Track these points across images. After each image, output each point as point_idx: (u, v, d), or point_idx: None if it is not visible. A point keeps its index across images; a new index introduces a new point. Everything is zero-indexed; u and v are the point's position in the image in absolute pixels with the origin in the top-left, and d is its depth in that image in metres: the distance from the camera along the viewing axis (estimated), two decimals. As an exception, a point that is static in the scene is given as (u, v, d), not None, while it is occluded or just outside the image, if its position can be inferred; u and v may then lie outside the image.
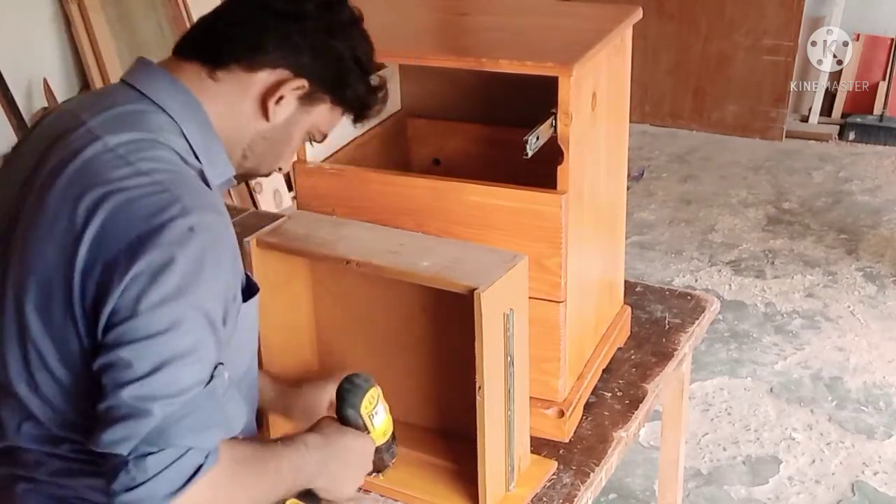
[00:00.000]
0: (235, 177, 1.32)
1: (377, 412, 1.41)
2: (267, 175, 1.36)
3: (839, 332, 3.52)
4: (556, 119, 1.49)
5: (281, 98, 1.24)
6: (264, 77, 1.23)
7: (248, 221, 2.55)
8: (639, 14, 1.72)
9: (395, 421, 1.46)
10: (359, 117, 1.36)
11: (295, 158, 1.36)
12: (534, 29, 1.71)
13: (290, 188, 4.19)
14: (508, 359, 1.43)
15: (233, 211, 2.69)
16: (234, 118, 1.24)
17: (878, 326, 3.55)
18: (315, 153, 1.71)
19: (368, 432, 1.40)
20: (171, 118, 1.20)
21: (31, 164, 1.22)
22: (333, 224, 1.57)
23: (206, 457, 1.12)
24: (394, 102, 1.98)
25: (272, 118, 1.25)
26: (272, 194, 4.12)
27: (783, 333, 3.52)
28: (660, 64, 5.44)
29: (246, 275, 1.32)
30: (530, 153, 1.45)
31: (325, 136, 1.36)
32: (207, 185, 1.22)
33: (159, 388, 1.08)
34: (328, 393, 1.51)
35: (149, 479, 1.08)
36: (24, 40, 4.04)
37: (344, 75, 1.28)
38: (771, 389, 3.21)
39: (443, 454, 1.60)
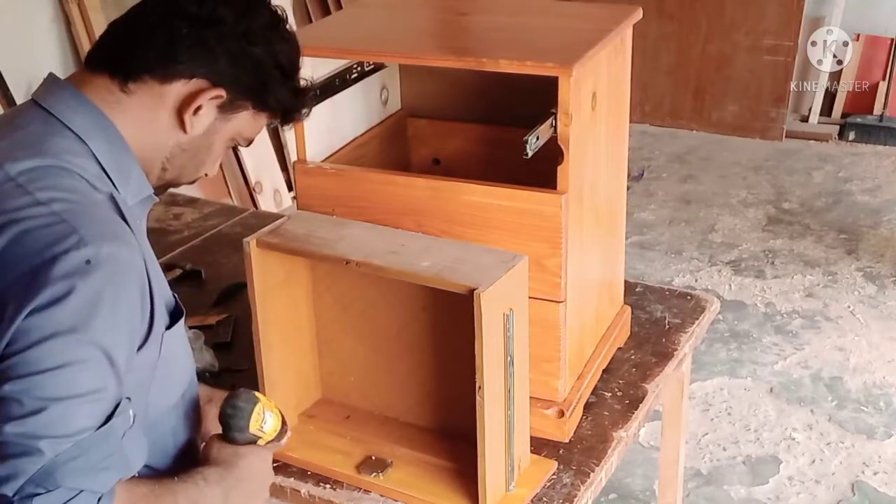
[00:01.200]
0: (156, 189, 1.26)
1: (265, 420, 1.35)
2: (191, 183, 1.30)
3: (839, 332, 3.52)
4: (556, 119, 1.49)
5: (198, 109, 1.18)
6: (179, 88, 1.17)
7: (249, 221, 2.55)
8: (639, 14, 1.72)
9: (394, 420, 1.45)
10: (286, 121, 1.31)
11: (218, 164, 1.31)
12: (534, 29, 1.71)
13: (290, 188, 4.20)
14: (508, 358, 1.43)
15: (233, 211, 2.70)
16: (149, 132, 1.19)
17: (878, 326, 3.55)
18: (315, 153, 1.71)
19: (260, 439, 1.36)
20: (79, 138, 1.15)
21: None
22: (333, 224, 1.57)
23: (100, 500, 1.06)
24: (394, 102, 1.98)
25: (190, 130, 1.20)
26: (272, 194, 4.12)
27: (783, 333, 3.53)
28: (660, 64, 5.44)
29: (174, 297, 1.27)
30: (530, 153, 1.45)
31: (250, 142, 1.30)
32: (119, 208, 1.17)
33: (48, 427, 1.02)
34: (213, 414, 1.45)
35: None
36: (24, 40, 4.04)
37: (265, 81, 1.22)
38: (771, 389, 3.21)
39: (443, 454, 1.60)
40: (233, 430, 1.33)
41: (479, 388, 1.41)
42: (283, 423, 1.41)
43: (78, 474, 1.03)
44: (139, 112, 1.18)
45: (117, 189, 1.18)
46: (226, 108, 1.21)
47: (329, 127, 1.74)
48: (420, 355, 1.62)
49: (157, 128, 1.19)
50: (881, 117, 5.25)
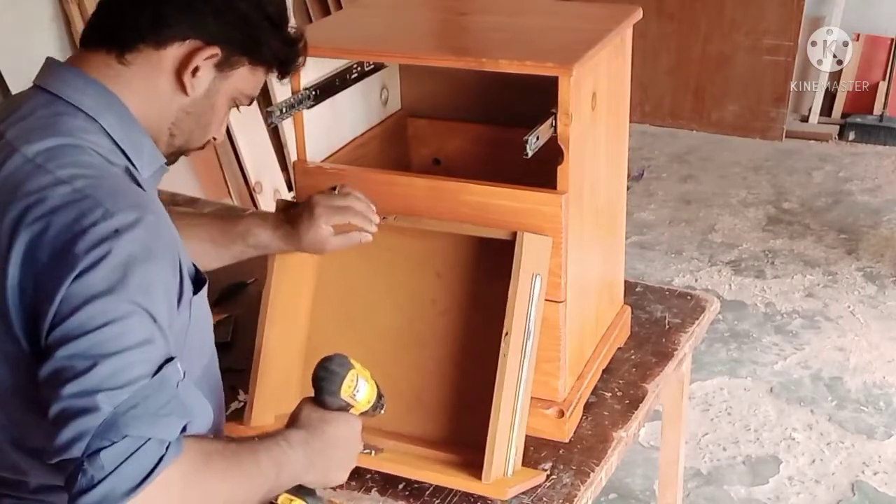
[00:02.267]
0: (168, 157, 1.29)
1: (359, 388, 1.33)
2: (201, 148, 1.32)
3: (839, 332, 3.52)
4: (556, 119, 1.49)
5: (196, 69, 1.20)
6: (174, 51, 1.20)
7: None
8: (639, 14, 1.72)
9: (385, 427, 1.45)
10: (283, 73, 1.33)
11: (225, 126, 1.33)
12: (534, 29, 1.71)
13: (290, 188, 4.20)
14: (528, 325, 1.44)
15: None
16: (153, 100, 1.22)
17: (878, 326, 3.55)
18: (315, 153, 1.71)
19: (352, 408, 1.34)
20: (89, 116, 1.18)
21: None
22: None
23: (168, 448, 1.05)
24: (394, 102, 1.98)
25: (191, 91, 1.22)
26: (272, 194, 4.12)
27: (783, 333, 3.53)
28: (660, 64, 5.44)
29: (194, 266, 1.29)
30: (530, 153, 1.45)
31: (251, 100, 1.32)
32: (136, 180, 1.19)
33: (103, 381, 1.03)
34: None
35: (106, 476, 1.00)
36: (24, 40, 4.04)
37: (256, 34, 1.24)
38: (771, 389, 3.21)
39: (436, 450, 1.60)
40: (324, 394, 1.31)
41: (507, 333, 1.44)
42: (380, 395, 1.39)
43: (140, 422, 1.03)
44: (140, 82, 1.20)
45: (132, 162, 1.21)
46: (222, 66, 1.23)
47: (329, 127, 1.74)
48: (417, 359, 1.62)
49: (159, 94, 1.21)
50: (881, 117, 5.25)
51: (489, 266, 1.53)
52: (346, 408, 1.34)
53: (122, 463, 1.01)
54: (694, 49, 5.39)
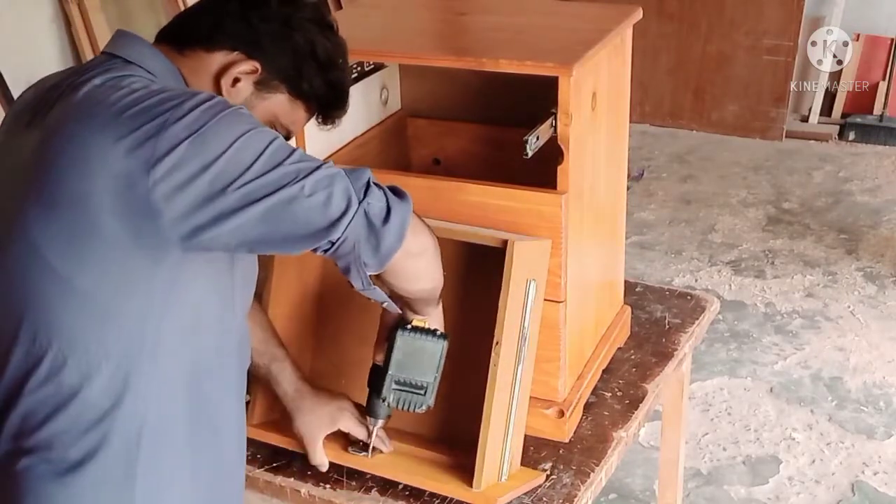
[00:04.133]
0: None
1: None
2: None
3: (839, 332, 3.52)
4: (556, 119, 1.49)
5: (236, 80, 1.27)
6: (221, 57, 1.27)
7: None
8: (639, 14, 1.72)
9: (392, 418, 1.46)
10: (324, 117, 1.38)
11: None
12: (534, 29, 1.71)
13: (290, 188, 4.19)
14: (523, 332, 1.44)
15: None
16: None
17: (878, 326, 3.55)
18: (315, 153, 1.70)
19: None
20: (154, 76, 1.24)
21: (25, 126, 1.22)
22: None
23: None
24: (394, 102, 1.98)
25: (228, 98, 1.26)
26: (272, 194, 4.12)
27: (783, 333, 3.53)
28: (660, 64, 5.44)
29: None
30: (530, 153, 1.46)
31: (289, 133, 1.36)
32: None
33: (313, 166, 1.15)
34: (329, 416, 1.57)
35: (387, 200, 1.20)
36: (24, 40, 4.04)
37: (299, 66, 1.30)
38: (771, 389, 3.21)
39: (433, 450, 1.60)
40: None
41: (497, 343, 1.44)
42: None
43: (355, 171, 1.19)
44: (190, 74, 1.28)
45: None
46: (261, 86, 1.29)
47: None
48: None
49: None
50: (881, 117, 5.25)
51: (485, 269, 1.53)
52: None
53: (382, 189, 1.21)
54: (694, 49, 5.39)
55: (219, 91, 1.27)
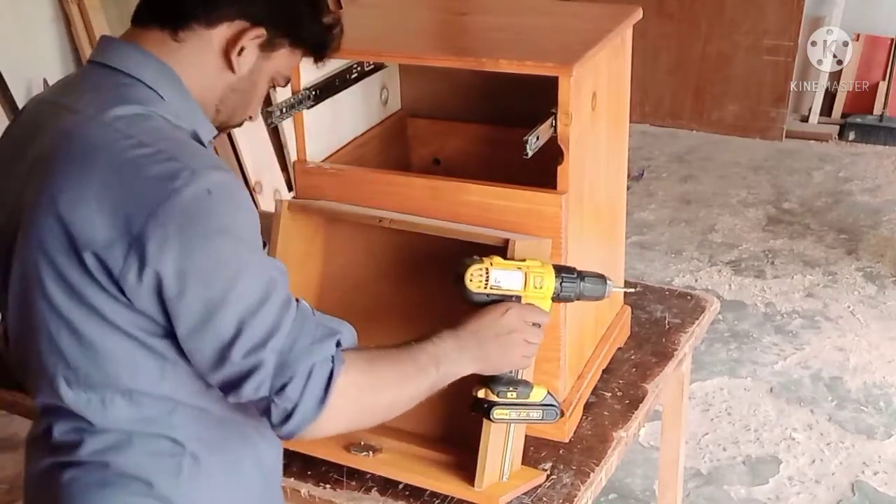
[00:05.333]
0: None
1: (496, 278, 1.39)
2: (239, 125, 1.38)
3: (839, 332, 3.52)
4: (556, 119, 1.49)
5: (242, 49, 1.26)
6: (223, 31, 1.25)
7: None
8: (639, 14, 1.72)
9: (384, 425, 1.47)
10: (318, 57, 1.38)
11: (261, 106, 1.40)
12: (534, 29, 1.71)
13: (290, 188, 4.20)
14: None
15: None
16: (203, 76, 1.27)
17: (878, 326, 3.55)
18: (315, 153, 1.71)
19: (510, 298, 1.39)
20: (149, 87, 1.22)
21: (21, 162, 1.23)
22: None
23: (333, 363, 1.18)
24: (394, 102, 1.98)
25: (238, 69, 1.27)
26: (272, 194, 4.12)
27: (783, 333, 3.53)
28: (660, 64, 5.44)
29: None
30: (530, 153, 1.45)
31: (287, 80, 1.38)
32: (202, 144, 1.25)
33: (258, 336, 1.13)
34: None
35: (297, 404, 1.15)
36: (24, 40, 4.04)
37: (298, 17, 1.30)
38: (771, 389, 3.21)
39: (435, 450, 1.60)
40: (460, 290, 1.40)
41: None
42: (562, 279, 1.43)
43: (303, 355, 1.16)
44: (192, 58, 1.25)
45: (195, 130, 1.26)
46: (266, 47, 1.28)
47: (329, 127, 1.75)
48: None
49: (208, 71, 1.27)
50: (881, 117, 5.25)
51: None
52: (496, 299, 1.39)
53: (303, 389, 1.15)
54: (694, 49, 5.39)
55: (229, 66, 1.26)
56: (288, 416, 1.16)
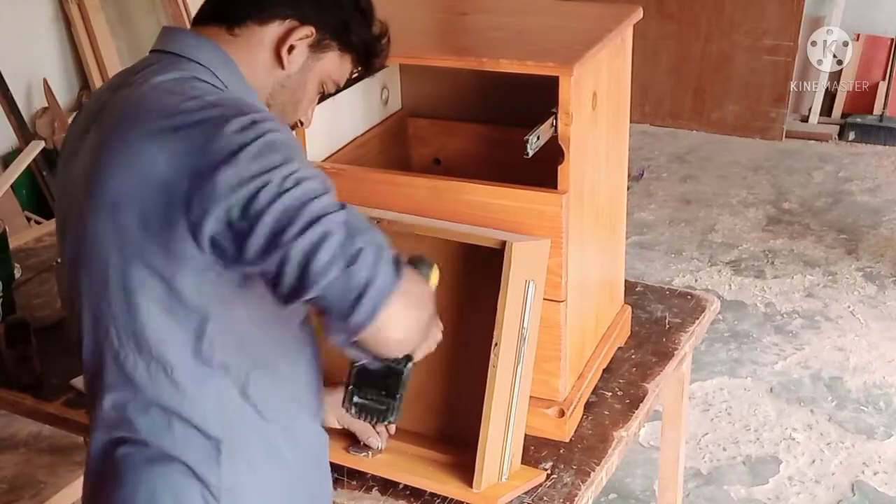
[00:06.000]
0: None
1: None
2: (292, 128, 1.42)
3: (839, 332, 3.52)
4: (556, 119, 1.49)
5: (292, 47, 1.31)
6: (275, 29, 1.31)
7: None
8: (639, 14, 1.72)
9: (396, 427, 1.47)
10: (368, 66, 1.43)
11: (313, 111, 1.43)
12: (534, 29, 1.71)
13: (290, 188, 4.19)
14: (523, 331, 1.44)
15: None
16: (255, 70, 1.32)
17: (878, 326, 3.55)
18: (315, 153, 1.71)
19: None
20: (207, 68, 1.28)
21: (83, 138, 1.27)
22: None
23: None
24: (394, 102, 1.98)
25: (287, 66, 1.32)
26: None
27: (783, 333, 3.53)
28: (660, 64, 5.44)
29: None
30: (531, 153, 1.46)
31: (337, 87, 1.42)
32: None
33: (322, 209, 1.13)
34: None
35: (373, 275, 1.13)
36: (24, 40, 4.04)
37: (347, 21, 1.35)
38: (771, 389, 3.21)
39: (434, 449, 1.60)
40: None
41: (496, 344, 1.45)
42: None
43: (366, 232, 1.15)
44: (245, 52, 1.31)
45: None
46: (315, 47, 1.34)
47: (329, 127, 1.75)
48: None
49: (260, 66, 1.32)
50: (881, 117, 5.25)
51: (485, 269, 1.53)
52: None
53: (377, 260, 1.14)
54: (694, 49, 5.39)
55: (279, 62, 1.31)
56: (361, 294, 1.12)
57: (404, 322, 1.18)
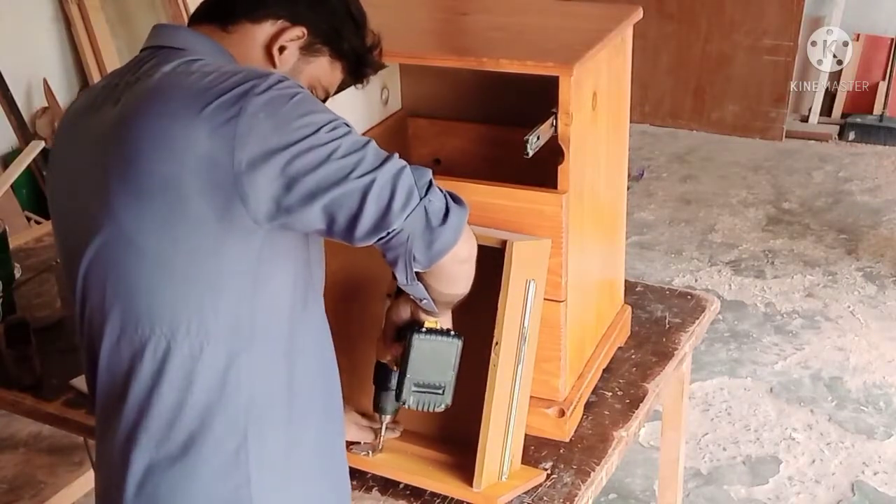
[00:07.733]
0: None
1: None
2: None
3: (839, 332, 3.53)
4: (556, 119, 1.49)
5: (283, 48, 1.33)
6: (267, 28, 1.33)
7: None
8: (639, 14, 1.72)
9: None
10: (358, 74, 1.44)
11: None
12: (534, 29, 1.71)
13: (290, 188, 4.19)
14: (523, 332, 1.44)
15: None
16: (247, 64, 1.32)
17: (878, 326, 3.55)
18: (315, 153, 1.71)
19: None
20: (204, 59, 1.27)
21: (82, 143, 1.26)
22: None
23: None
24: (394, 102, 1.98)
25: (279, 65, 1.33)
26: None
27: (783, 333, 3.53)
28: (660, 64, 5.44)
29: None
30: (531, 153, 1.46)
31: (327, 94, 1.42)
32: None
33: (381, 154, 1.19)
34: None
35: (446, 201, 1.22)
36: (24, 40, 4.04)
37: (339, 27, 1.37)
38: (771, 389, 3.22)
39: (434, 449, 1.61)
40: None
41: (496, 343, 1.45)
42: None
43: (424, 170, 1.23)
44: (238, 47, 1.33)
45: None
46: (306, 50, 1.35)
47: (329, 126, 1.74)
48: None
49: (253, 64, 1.33)
50: (881, 117, 5.25)
51: (486, 268, 1.53)
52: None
53: (442, 191, 1.23)
54: (694, 49, 5.39)
55: (270, 61, 1.32)
56: (445, 216, 1.21)
57: (471, 249, 1.29)
